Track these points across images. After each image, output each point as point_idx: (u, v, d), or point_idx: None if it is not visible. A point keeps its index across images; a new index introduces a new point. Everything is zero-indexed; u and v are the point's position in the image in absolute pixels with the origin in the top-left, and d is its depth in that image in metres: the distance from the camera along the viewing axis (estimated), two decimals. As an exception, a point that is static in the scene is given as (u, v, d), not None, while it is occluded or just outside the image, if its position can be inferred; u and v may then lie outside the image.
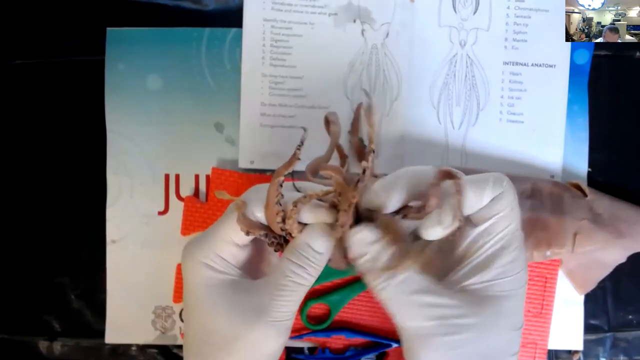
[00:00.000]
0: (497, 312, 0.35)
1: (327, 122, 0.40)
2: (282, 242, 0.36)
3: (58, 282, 0.50)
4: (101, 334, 0.50)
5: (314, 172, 0.37)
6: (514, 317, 0.36)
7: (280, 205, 0.34)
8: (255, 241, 0.38)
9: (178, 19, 0.50)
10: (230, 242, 0.36)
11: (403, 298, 0.34)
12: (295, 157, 0.34)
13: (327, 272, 0.47)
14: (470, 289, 0.35)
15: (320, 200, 0.36)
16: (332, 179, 0.34)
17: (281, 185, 0.34)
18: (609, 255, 0.48)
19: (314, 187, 0.37)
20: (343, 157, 0.41)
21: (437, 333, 0.34)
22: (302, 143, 0.34)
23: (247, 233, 0.35)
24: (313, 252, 0.35)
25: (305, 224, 0.35)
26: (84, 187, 0.50)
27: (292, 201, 0.34)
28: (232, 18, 0.50)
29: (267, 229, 0.36)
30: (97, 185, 0.50)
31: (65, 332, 0.51)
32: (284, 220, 0.34)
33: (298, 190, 0.37)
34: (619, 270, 0.49)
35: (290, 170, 0.34)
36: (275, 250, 0.37)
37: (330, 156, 0.39)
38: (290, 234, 0.35)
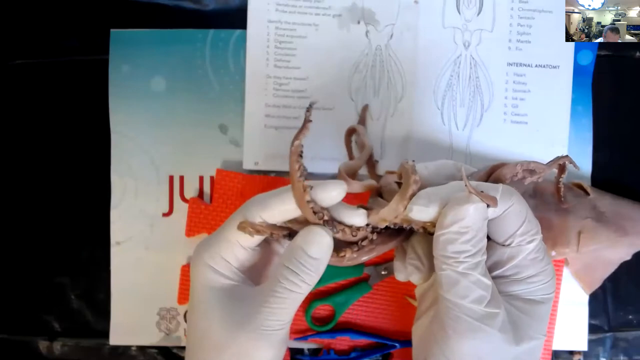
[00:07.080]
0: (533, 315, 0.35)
1: (350, 134, 0.45)
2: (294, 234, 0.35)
3: (58, 282, 0.50)
4: (101, 333, 0.50)
5: (352, 174, 0.39)
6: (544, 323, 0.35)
7: (305, 179, 0.32)
8: (263, 246, 0.37)
9: (178, 19, 0.50)
10: (236, 244, 0.35)
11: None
12: (307, 121, 0.32)
13: (332, 273, 0.48)
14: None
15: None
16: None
17: (301, 155, 0.32)
18: (614, 253, 0.48)
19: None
20: (372, 164, 0.45)
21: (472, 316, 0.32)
22: (311, 106, 0.32)
23: (271, 235, 0.34)
24: (308, 258, 0.33)
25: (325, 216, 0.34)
26: (88, 189, 0.50)
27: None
28: (233, 18, 0.50)
29: (275, 227, 0.35)
30: (101, 187, 0.50)
31: (65, 332, 0.51)
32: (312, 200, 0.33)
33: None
34: (619, 271, 0.49)
35: (306, 134, 0.32)
36: None
37: (363, 164, 0.44)
38: (327, 218, 0.34)
